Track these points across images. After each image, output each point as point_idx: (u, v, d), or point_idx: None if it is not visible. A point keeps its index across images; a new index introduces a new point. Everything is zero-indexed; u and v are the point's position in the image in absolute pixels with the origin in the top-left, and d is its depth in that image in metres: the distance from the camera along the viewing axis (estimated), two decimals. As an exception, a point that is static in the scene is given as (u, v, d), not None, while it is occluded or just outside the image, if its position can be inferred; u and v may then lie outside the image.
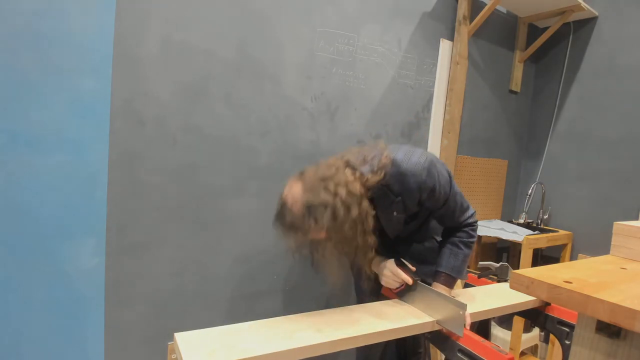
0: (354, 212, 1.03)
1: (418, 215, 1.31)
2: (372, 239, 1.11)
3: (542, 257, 2.57)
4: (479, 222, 2.12)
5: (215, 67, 1.44)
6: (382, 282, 1.26)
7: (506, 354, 0.92)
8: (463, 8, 2.13)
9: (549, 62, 2.65)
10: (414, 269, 1.23)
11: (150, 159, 1.35)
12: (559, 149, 2.58)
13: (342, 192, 1.03)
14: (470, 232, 1.28)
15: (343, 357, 1.60)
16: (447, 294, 1.16)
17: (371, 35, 1.83)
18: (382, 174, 1.11)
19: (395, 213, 1.21)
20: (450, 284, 1.22)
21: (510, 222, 2.58)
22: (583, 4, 2.19)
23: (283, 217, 1.09)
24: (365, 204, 1.07)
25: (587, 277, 0.71)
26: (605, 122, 2.35)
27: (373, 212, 1.11)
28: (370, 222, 1.09)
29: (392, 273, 1.22)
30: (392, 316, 1.06)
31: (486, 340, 0.97)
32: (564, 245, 2.46)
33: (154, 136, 1.35)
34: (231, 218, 1.54)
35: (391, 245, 1.34)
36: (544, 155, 2.65)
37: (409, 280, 1.20)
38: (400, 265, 1.21)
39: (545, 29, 2.53)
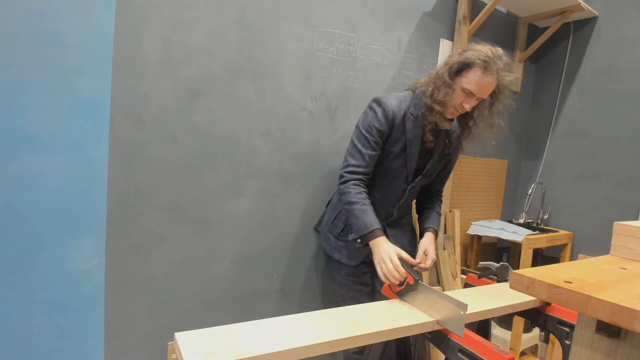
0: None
1: (436, 175, 1.55)
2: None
3: (542, 257, 2.57)
4: (478, 222, 2.27)
5: (215, 67, 1.44)
6: (377, 269, 1.27)
7: (506, 354, 0.92)
8: (463, 8, 2.13)
9: (549, 62, 2.65)
10: (416, 261, 1.30)
11: (150, 159, 1.35)
12: (559, 149, 2.57)
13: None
14: (440, 206, 1.63)
15: (338, 357, 1.60)
16: (434, 242, 1.45)
17: (371, 35, 1.83)
18: None
19: (446, 151, 1.47)
20: (435, 237, 1.49)
21: (510, 222, 2.58)
22: (583, 4, 2.19)
23: None
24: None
25: (587, 277, 0.71)
26: (605, 122, 2.35)
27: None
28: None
29: (392, 264, 1.21)
30: (392, 316, 1.06)
31: (486, 340, 0.97)
32: (564, 245, 2.46)
33: (154, 136, 1.35)
34: (231, 218, 1.54)
35: (389, 205, 1.49)
36: (544, 155, 2.65)
37: (404, 275, 1.20)
38: (403, 263, 1.21)
39: (545, 29, 2.53)
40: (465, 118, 1.41)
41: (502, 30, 2.45)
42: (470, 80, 1.24)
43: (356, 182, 1.36)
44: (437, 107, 1.30)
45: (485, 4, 2.15)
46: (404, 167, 1.41)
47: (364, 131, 1.35)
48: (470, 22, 2.15)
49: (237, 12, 1.46)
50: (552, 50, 2.61)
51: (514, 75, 1.28)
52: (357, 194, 1.34)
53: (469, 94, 1.26)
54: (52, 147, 1.16)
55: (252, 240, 1.60)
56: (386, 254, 1.24)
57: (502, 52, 1.26)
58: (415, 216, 1.67)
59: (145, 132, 1.33)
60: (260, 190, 1.60)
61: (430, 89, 1.32)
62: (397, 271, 1.20)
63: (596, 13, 2.36)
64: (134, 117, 1.30)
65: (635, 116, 2.23)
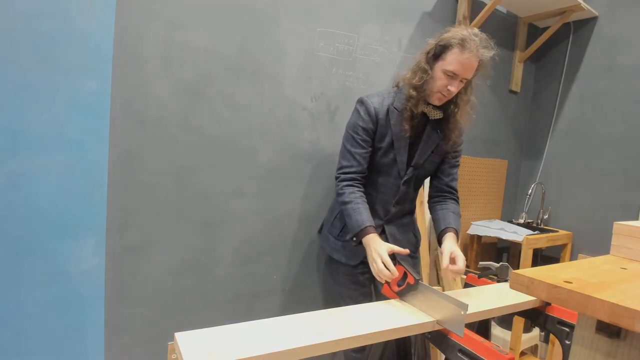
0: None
1: (433, 168, 1.50)
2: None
3: (542, 257, 2.57)
4: (478, 222, 2.20)
5: (215, 67, 1.44)
6: (371, 268, 1.23)
7: (506, 354, 0.92)
8: (463, 8, 2.13)
9: (549, 62, 2.65)
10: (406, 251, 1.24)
11: (150, 159, 1.35)
12: (559, 149, 2.58)
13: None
14: (456, 206, 1.51)
15: (339, 357, 1.60)
16: (455, 243, 1.31)
17: (371, 35, 1.83)
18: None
19: (434, 149, 1.42)
20: (457, 238, 1.37)
21: (510, 222, 2.58)
22: (583, 4, 2.19)
23: None
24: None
25: (587, 277, 0.71)
26: (605, 122, 2.35)
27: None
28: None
29: (381, 260, 1.18)
30: (392, 316, 1.06)
31: (486, 340, 0.97)
32: (564, 245, 2.46)
33: (154, 136, 1.35)
34: (231, 218, 1.54)
35: (386, 202, 1.46)
36: (544, 155, 2.65)
37: (396, 273, 1.16)
38: (400, 263, 1.21)
39: (545, 29, 2.53)
40: (448, 104, 1.37)
41: (502, 30, 2.45)
42: (451, 61, 1.24)
43: (349, 182, 1.37)
44: (412, 92, 1.31)
45: (485, 4, 2.15)
46: (394, 162, 1.40)
47: (350, 131, 1.39)
48: (470, 22, 2.15)
49: (237, 12, 1.46)
50: (552, 50, 2.61)
51: (492, 52, 1.28)
52: (351, 194, 1.34)
53: (452, 75, 1.25)
54: (52, 147, 1.16)
55: (252, 240, 1.60)
56: (376, 252, 1.21)
57: (478, 30, 1.27)
58: (418, 219, 1.65)
59: (145, 132, 1.33)
60: (260, 190, 1.60)
61: (408, 76, 1.34)
62: (388, 269, 1.16)
63: (596, 13, 2.36)
64: (134, 117, 1.30)
65: (635, 116, 2.23)
